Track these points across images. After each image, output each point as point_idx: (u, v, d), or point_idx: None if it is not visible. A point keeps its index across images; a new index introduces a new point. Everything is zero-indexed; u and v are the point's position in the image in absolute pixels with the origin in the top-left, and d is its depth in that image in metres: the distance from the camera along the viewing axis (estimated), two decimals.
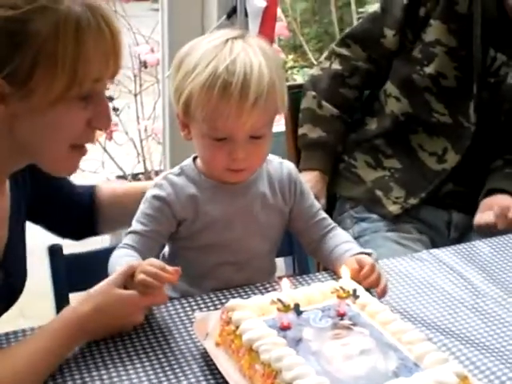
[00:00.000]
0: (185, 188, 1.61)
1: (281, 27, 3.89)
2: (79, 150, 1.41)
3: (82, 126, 1.37)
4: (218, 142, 1.53)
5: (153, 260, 1.45)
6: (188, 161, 1.66)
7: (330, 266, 1.69)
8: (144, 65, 3.90)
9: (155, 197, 1.61)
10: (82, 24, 1.30)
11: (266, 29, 2.85)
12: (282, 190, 1.67)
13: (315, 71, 2.49)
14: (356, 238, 2.21)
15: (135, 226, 1.61)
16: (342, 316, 1.38)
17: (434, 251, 1.85)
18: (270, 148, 1.60)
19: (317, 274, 1.69)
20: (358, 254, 1.64)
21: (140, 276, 1.41)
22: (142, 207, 1.62)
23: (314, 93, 2.40)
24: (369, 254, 1.64)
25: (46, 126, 1.34)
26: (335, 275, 1.64)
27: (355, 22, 4.68)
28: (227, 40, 1.53)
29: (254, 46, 1.54)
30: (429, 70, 2.25)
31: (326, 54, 2.48)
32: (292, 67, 5.62)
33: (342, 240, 1.70)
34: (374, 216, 2.29)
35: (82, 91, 1.33)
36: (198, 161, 1.65)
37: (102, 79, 1.37)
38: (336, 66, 2.40)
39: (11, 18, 1.27)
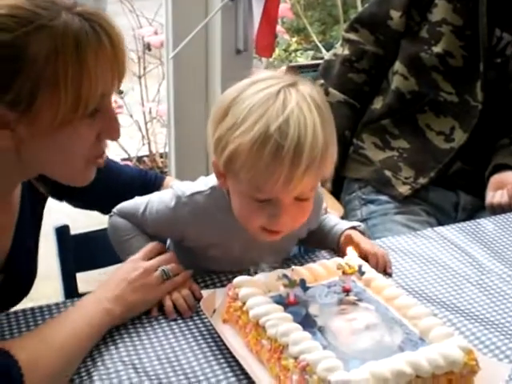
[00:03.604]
0: (208, 216, 1.53)
1: (285, 9, 3.90)
2: (95, 161, 1.39)
3: (92, 142, 1.34)
4: (259, 203, 1.42)
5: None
6: (217, 182, 1.53)
7: (321, 246, 1.71)
8: (148, 47, 3.91)
9: (174, 213, 1.53)
10: (81, 40, 1.25)
11: (270, 11, 2.85)
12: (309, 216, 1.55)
13: (328, 56, 2.51)
14: (364, 219, 2.23)
15: (143, 212, 1.56)
16: (347, 292, 1.39)
17: (439, 229, 1.86)
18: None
19: (322, 251, 1.69)
20: (347, 229, 1.67)
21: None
22: (158, 206, 1.56)
23: (322, 81, 2.42)
24: (355, 228, 1.68)
25: (54, 148, 1.31)
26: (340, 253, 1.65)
27: (359, 5, 4.68)
28: (279, 90, 1.38)
29: (307, 98, 1.39)
30: (436, 49, 2.26)
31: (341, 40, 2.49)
32: (296, 50, 5.61)
33: (324, 217, 1.73)
34: (383, 198, 2.30)
35: (88, 110, 1.28)
36: None
37: (107, 93, 1.33)
38: (345, 51, 2.42)
39: (7, 43, 1.21)
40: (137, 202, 1.59)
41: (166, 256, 1.52)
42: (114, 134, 1.38)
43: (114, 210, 1.61)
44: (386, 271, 1.62)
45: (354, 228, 1.68)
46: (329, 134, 1.41)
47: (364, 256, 1.58)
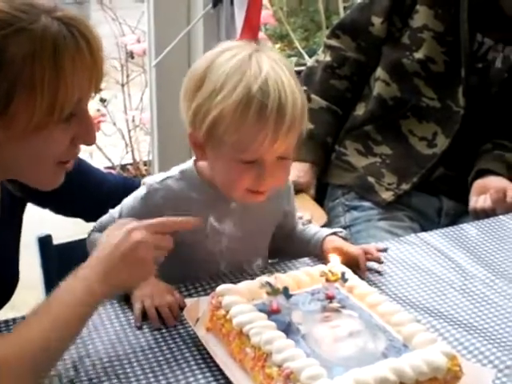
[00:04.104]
0: (184, 195, 1.54)
1: (267, 16, 3.90)
2: (64, 165, 1.37)
3: (66, 146, 1.33)
4: (244, 165, 1.45)
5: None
6: (189, 165, 1.58)
7: (303, 254, 1.71)
8: (131, 55, 3.90)
9: (147, 202, 1.54)
10: (58, 44, 1.24)
11: (252, 17, 2.84)
12: (280, 196, 1.63)
13: (310, 63, 2.52)
14: (348, 226, 2.24)
15: (119, 216, 1.56)
16: (330, 299, 1.39)
17: (422, 234, 1.86)
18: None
19: (305, 258, 1.69)
20: (329, 234, 1.69)
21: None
22: (132, 202, 1.57)
23: (304, 87, 2.42)
24: (336, 234, 1.70)
25: (28, 151, 1.29)
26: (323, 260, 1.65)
27: (341, 11, 4.69)
28: (251, 55, 1.44)
29: (278, 62, 1.45)
30: (418, 55, 2.27)
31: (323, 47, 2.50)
32: None
33: (305, 227, 1.75)
34: (366, 204, 2.30)
35: (63, 114, 1.27)
36: (200, 166, 1.57)
37: (84, 98, 1.32)
38: (327, 57, 2.42)
39: None
40: (111, 212, 1.60)
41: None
42: (90, 139, 1.37)
43: (91, 229, 1.62)
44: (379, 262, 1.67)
45: (335, 234, 1.69)
46: (303, 93, 1.49)
47: (350, 258, 1.60)
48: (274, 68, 1.42)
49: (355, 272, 1.53)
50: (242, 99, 1.39)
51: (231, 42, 1.53)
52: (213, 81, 1.43)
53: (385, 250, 1.70)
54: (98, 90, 1.35)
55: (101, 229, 1.59)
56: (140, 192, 1.57)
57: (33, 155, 1.31)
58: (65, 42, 1.25)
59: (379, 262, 1.66)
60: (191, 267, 1.59)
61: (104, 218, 1.61)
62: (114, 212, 1.60)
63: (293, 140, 1.46)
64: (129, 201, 1.58)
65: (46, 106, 1.24)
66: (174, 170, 1.59)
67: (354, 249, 1.64)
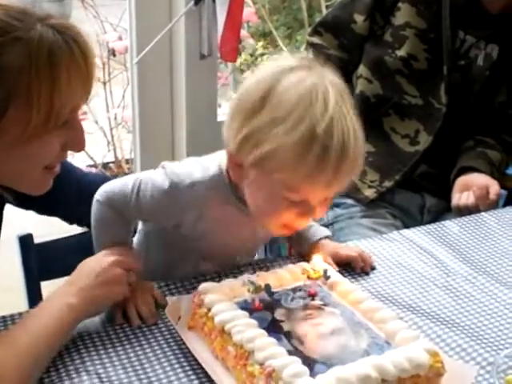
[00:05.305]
0: (208, 204, 1.47)
1: (249, 13, 3.88)
2: (51, 170, 1.37)
3: (57, 152, 1.33)
4: (288, 203, 1.35)
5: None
6: (217, 169, 1.47)
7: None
8: (112, 53, 3.89)
9: (170, 199, 1.45)
10: (55, 54, 1.24)
11: (234, 15, 2.84)
12: None
13: None
14: (330, 223, 2.24)
15: (136, 198, 1.46)
16: (313, 296, 1.39)
17: (405, 231, 1.86)
18: None
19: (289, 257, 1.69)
20: (320, 239, 1.66)
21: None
22: (154, 192, 1.46)
23: None
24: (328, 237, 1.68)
25: (19, 158, 1.29)
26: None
27: (324, 9, 4.69)
28: (316, 84, 1.31)
29: (342, 93, 1.34)
30: (400, 52, 2.27)
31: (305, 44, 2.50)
32: (262, 54, 5.61)
33: None
34: (349, 201, 2.30)
35: (59, 123, 1.27)
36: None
37: (78, 106, 1.32)
38: (310, 55, 2.41)
39: None
40: (124, 190, 1.48)
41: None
42: (80, 146, 1.37)
43: (101, 196, 1.49)
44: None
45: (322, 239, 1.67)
46: (361, 128, 1.35)
47: (344, 259, 1.62)
48: (339, 104, 1.30)
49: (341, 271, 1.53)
50: (303, 139, 1.27)
51: (289, 60, 1.38)
52: (273, 109, 1.30)
53: (373, 268, 1.67)
54: (89, 96, 1.35)
55: (110, 202, 1.48)
56: (164, 185, 1.46)
57: (23, 162, 1.31)
58: (60, 52, 1.25)
59: (363, 270, 1.65)
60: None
61: (115, 192, 1.48)
62: (127, 190, 1.47)
63: (348, 182, 1.37)
64: (147, 185, 1.47)
65: (42, 116, 1.24)
66: (201, 171, 1.47)
67: (352, 252, 1.65)
